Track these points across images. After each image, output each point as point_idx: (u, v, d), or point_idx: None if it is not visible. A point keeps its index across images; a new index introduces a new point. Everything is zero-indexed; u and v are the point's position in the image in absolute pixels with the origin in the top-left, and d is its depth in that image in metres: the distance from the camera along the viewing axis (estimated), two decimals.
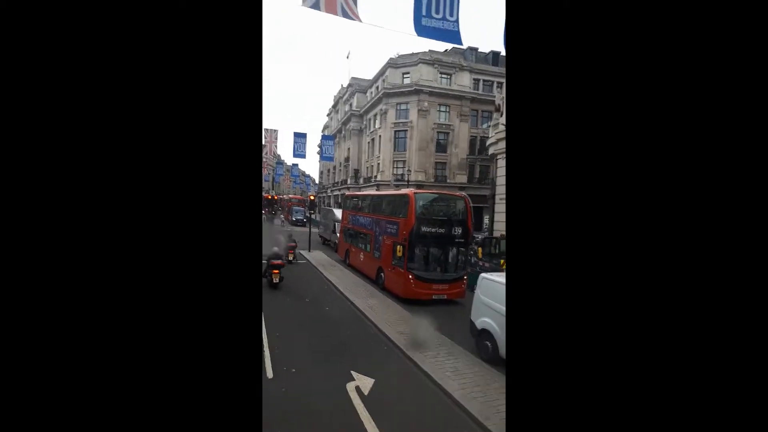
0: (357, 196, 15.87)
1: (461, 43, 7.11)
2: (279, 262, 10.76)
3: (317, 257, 16.57)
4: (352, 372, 5.61)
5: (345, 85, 44.85)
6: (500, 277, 6.36)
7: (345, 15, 6.17)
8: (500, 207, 14.32)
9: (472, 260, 11.74)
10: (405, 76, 31.06)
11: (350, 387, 5.19)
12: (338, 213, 19.22)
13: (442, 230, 9.95)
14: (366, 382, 5.34)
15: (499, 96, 18.91)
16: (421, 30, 6.54)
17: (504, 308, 5.91)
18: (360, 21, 6.31)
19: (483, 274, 6.80)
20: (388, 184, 28.14)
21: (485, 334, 6.29)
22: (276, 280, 10.44)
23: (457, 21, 6.75)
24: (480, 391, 5.16)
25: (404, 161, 30.11)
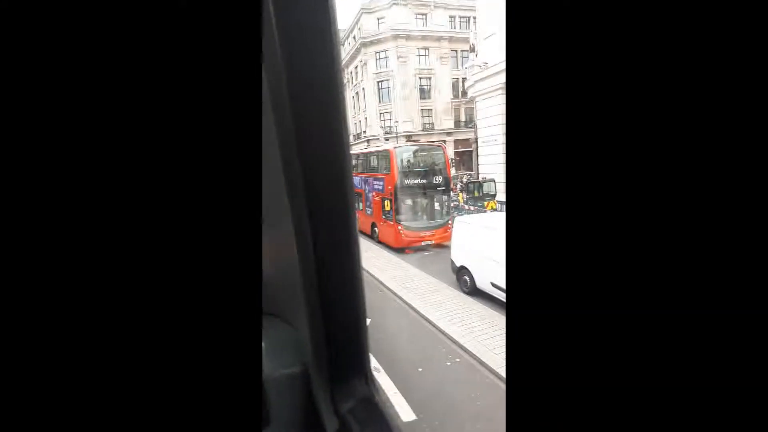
0: None
1: None
2: None
3: None
4: None
5: None
6: (472, 219, 7.12)
7: None
8: (484, 150, 14.76)
9: (458, 205, 12.49)
10: (380, 21, 29.92)
11: None
12: None
13: (424, 180, 10.62)
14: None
15: (473, 35, 18.46)
16: None
17: (475, 246, 6.74)
18: None
19: (457, 218, 7.57)
20: (378, 138, 28.25)
21: (463, 269, 7.18)
22: None
23: None
24: (458, 318, 6.14)
25: (390, 112, 29.93)
